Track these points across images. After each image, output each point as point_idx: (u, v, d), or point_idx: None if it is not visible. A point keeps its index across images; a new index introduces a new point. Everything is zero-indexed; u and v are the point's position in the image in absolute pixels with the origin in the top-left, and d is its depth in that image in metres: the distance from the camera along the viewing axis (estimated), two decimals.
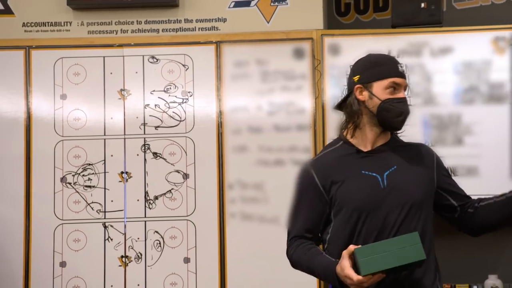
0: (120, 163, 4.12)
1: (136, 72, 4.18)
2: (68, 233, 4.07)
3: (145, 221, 4.10)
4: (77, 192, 4.11)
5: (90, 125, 4.15)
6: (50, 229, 4.06)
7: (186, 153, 4.14)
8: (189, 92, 4.19)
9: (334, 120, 4.11)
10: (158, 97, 4.17)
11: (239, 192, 4.12)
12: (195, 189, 4.12)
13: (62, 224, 4.06)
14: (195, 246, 4.10)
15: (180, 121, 4.17)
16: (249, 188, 4.13)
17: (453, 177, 2.76)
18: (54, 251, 4.05)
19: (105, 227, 4.08)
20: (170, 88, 4.19)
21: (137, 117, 4.16)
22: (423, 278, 2.57)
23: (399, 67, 2.68)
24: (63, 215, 4.08)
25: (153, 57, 4.20)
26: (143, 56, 4.20)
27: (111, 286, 4.05)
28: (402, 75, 2.67)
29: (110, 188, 4.11)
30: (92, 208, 4.10)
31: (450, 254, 4.14)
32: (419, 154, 2.70)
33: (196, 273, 4.09)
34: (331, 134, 4.08)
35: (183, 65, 4.21)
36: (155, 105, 4.16)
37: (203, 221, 4.12)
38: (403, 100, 2.64)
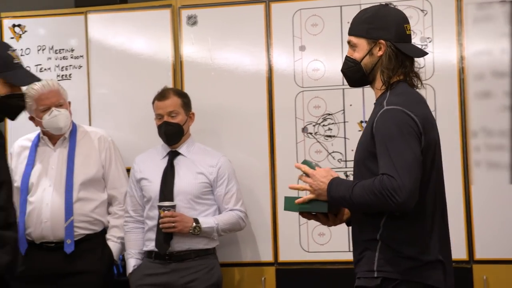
0: (359, 112, 4.12)
1: None
2: None
3: None
4: (318, 142, 4.18)
5: (328, 75, 4.18)
6: (294, 179, 4.15)
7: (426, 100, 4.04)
8: (428, 38, 4.08)
9: None
10: None
11: (484, 140, 3.98)
12: None
13: (305, 174, 4.15)
14: None
15: (419, 68, 4.04)
16: (495, 135, 3.97)
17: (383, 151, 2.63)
18: None
19: (346, 176, 4.11)
20: None
21: None
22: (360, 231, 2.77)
23: None
24: None
25: (390, 4, 4.12)
26: (380, 3, 4.12)
27: None
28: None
29: (350, 137, 4.13)
30: (333, 158, 4.15)
31: None
32: (373, 114, 2.73)
33: None
34: None
35: (421, 10, 4.09)
36: None
37: (446, 169, 3.98)
38: None
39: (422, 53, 2.86)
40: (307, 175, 2.79)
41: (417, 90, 2.88)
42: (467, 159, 4.01)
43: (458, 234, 3.99)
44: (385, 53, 2.75)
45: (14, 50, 2.98)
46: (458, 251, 3.98)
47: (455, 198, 4.00)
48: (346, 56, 2.85)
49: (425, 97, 3.98)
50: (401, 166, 2.56)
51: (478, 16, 4.00)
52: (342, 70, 2.88)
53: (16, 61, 2.95)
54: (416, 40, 4.07)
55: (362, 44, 2.79)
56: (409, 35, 2.82)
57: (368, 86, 2.91)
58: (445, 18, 4.06)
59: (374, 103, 2.83)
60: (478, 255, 3.99)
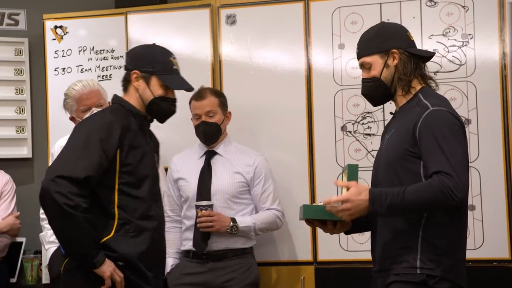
0: None
1: (414, 17, 4.10)
2: None
3: None
4: (358, 140, 4.16)
5: None
6: (333, 177, 4.14)
7: (467, 98, 4.01)
8: (469, 34, 4.02)
9: None
10: (437, 42, 4.06)
11: None
12: (477, 134, 3.98)
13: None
14: (480, 194, 3.97)
15: (460, 65, 4.04)
16: None
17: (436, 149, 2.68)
18: None
19: None
20: (449, 31, 4.05)
21: None
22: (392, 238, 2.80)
23: None
24: (345, 163, 4.15)
25: (431, 0, 4.08)
26: (420, 0, 4.10)
27: None
28: None
29: None
30: (373, 156, 4.06)
31: None
32: (410, 116, 2.78)
33: (482, 221, 3.98)
34: None
35: (462, 7, 4.04)
36: (433, 50, 4.04)
37: (487, 167, 3.97)
38: None
39: (431, 54, 2.95)
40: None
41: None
42: (509, 157, 3.95)
43: (501, 233, 3.95)
44: (400, 60, 2.85)
45: (175, 58, 3.12)
46: (501, 251, 3.95)
47: (497, 196, 3.96)
48: (363, 79, 2.93)
49: (467, 94, 4.00)
50: (457, 163, 2.65)
51: None
52: (363, 93, 2.96)
53: (175, 67, 3.11)
54: (457, 37, 4.05)
55: (376, 60, 2.88)
56: (413, 41, 2.92)
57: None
58: (487, 14, 4.01)
59: (396, 112, 2.92)
60: None
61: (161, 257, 3.12)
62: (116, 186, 2.95)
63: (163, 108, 3.09)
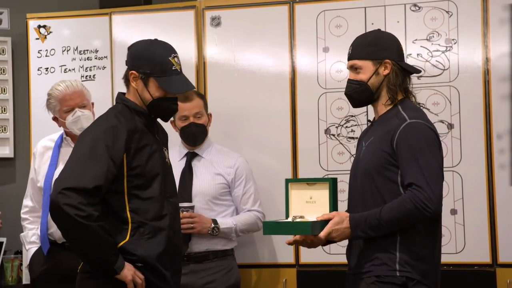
0: None
1: (398, 22, 4.11)
2: None
3: None
4: (341, 143, 4.16)
5: None
6: None
7: (450, 102, 4.02)
8: (453, 39, 4.04)
9: None
10: (420, 46, 4.07)
11: (508, 142, 3.94)
12: (460, 139, 4.00)
13: (327, 175, 4.14)
14: (462, 198, 3.99)
15: (444, 69, 4.05)
16: None
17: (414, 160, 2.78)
18: None
19: None
20: (433, 36, 4.07)
21: None
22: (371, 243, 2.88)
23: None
24: (328, 166, 4.16)
25: (415, 5, 4.10)
26: (404, 4, 4.12)
27: None
28: None
29: None
30: None
31: None
32: (389, 127, 2.87)
33: (464, 225, 3.99)
34: None
35: (446, 12, 4.06)
36: (417, 54, 4.07)
37: (470, 171, 3.99)
38: None
39: (417, 71, 3.03)
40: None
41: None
42: (491, 162, 3.97)
43: (482, 237, 3.96)
44: (391, 71, 2.93)
45: (175, 56, 3.03)
46: (482, 255, 3.96)
47: (479, 201, 3.97)
48: (349, 79, 2.98)
49: (450, 99, 4.02)
50: (430, 175, 2.77)
51: (503, 18, 3.96)
52: (346, 93, 3.02)
53: (174, 68, 3.01)
54: (441, 42, 4.06)
55: (368, 65, 2.95)
56: (404, 55, 3.03)
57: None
58: (471, 20, 4.03)
59: (374, 120, 3.00)
60: (501, 259, 3.95)
61: (177, 254, 3.08)
62: (126, 190, 2.91)
63: (164, 108, 3.03)
